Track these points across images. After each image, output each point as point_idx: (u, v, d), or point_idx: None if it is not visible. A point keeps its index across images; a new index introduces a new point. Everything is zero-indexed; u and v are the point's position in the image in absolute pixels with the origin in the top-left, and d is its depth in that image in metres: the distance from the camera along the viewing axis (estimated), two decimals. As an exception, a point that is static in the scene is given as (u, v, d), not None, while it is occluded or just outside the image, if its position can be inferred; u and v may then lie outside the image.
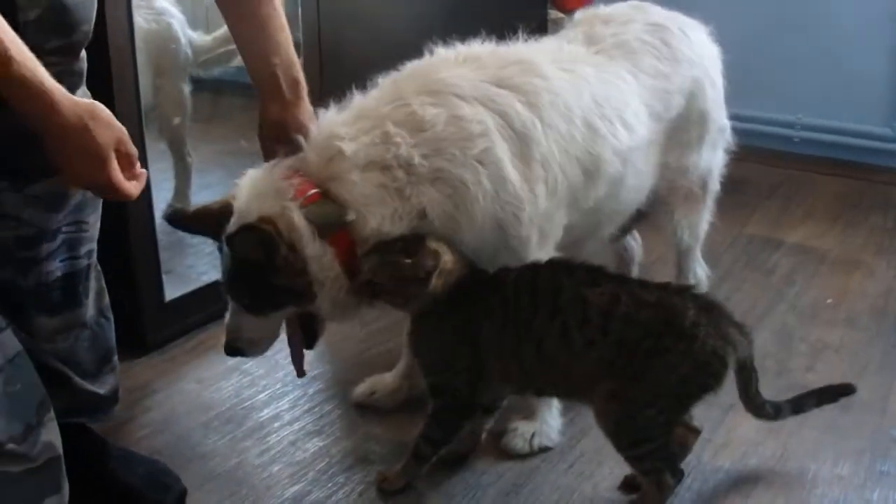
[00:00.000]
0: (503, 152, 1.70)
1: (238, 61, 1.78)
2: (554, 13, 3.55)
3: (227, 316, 1.74)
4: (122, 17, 2.03)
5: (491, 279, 1.70)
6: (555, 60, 1.87)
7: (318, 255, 1.62)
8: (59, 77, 1.55)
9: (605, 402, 1.65)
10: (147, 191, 2.21)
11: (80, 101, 1.35)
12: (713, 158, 2.23)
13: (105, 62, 2.01)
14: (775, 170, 3.66)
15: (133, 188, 1.44)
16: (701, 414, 1.84)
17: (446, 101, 1.69)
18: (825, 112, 3.68)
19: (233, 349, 1.75)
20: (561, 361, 1.66)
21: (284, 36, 1.70)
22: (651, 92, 1.99)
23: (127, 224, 2.19)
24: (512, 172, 1.70)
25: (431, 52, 1.83)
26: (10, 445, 1.40)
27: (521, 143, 1.72)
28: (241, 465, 1.92)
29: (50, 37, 1.44)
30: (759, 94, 3.68)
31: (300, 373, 1.86)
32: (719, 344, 1.62)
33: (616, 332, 1.61)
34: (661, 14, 2.14)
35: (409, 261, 1.60)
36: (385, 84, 1.77)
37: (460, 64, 1.79)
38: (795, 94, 3.69)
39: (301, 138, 1.68)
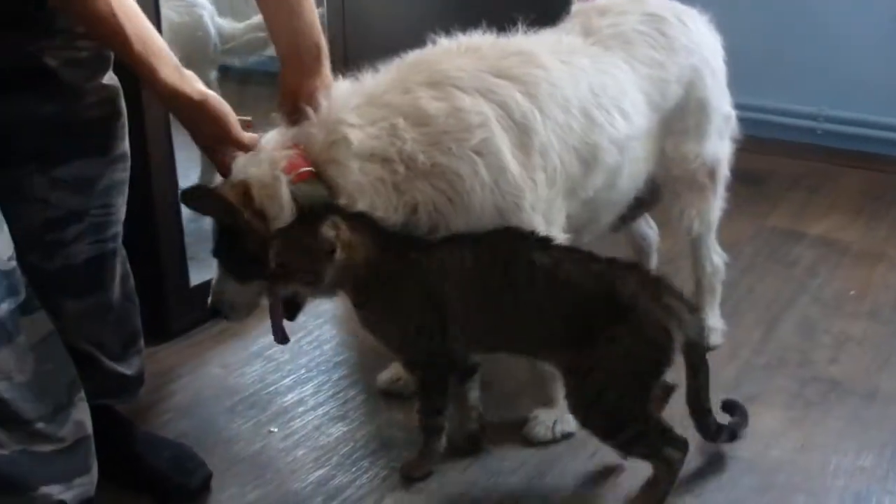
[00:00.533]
0: (502, 142, 1.71)
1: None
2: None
3: (214, 277, 1.76)
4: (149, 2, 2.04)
5: (445, 242, 1.69)
6: (553, 52, 1.87)
7: None
8: (87, 61, 1.57)
9: (566, 380, 1.67)
10: (173, 178, 2.24)
11: (191, 103, 1.54)
12: (719, 147, 2.20)
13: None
14: (798, 162, 3.64)
15: None
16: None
17: (448, 94, 1.70)
18: (848, 104, 3.65)
19: (216, 310, 1.78)
20: (518, 324, 1.67)
21: (308, 2, 1.69)
22: (648, 81, 1.99)
23: (153, 210, 2.21)
24: (511, 162, 1.71)
25: (434, 43, 1.84)
26: (40, 424, 1.42)
27: (521, 133, 1.73)
28: (266, 449, 1.93)
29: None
30: (781, 85, 3.67)
31: (283, 340, 1.81)
32: (661, 315, 1.62)
33: (559, 298, 1.63)
34: (657, 4, 2.12)
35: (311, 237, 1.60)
36: (391, 72, 1.77)
37: (461, 54, 1.80)
38: (818, 85, 3.67)
39: (310, 110, 1.68)
